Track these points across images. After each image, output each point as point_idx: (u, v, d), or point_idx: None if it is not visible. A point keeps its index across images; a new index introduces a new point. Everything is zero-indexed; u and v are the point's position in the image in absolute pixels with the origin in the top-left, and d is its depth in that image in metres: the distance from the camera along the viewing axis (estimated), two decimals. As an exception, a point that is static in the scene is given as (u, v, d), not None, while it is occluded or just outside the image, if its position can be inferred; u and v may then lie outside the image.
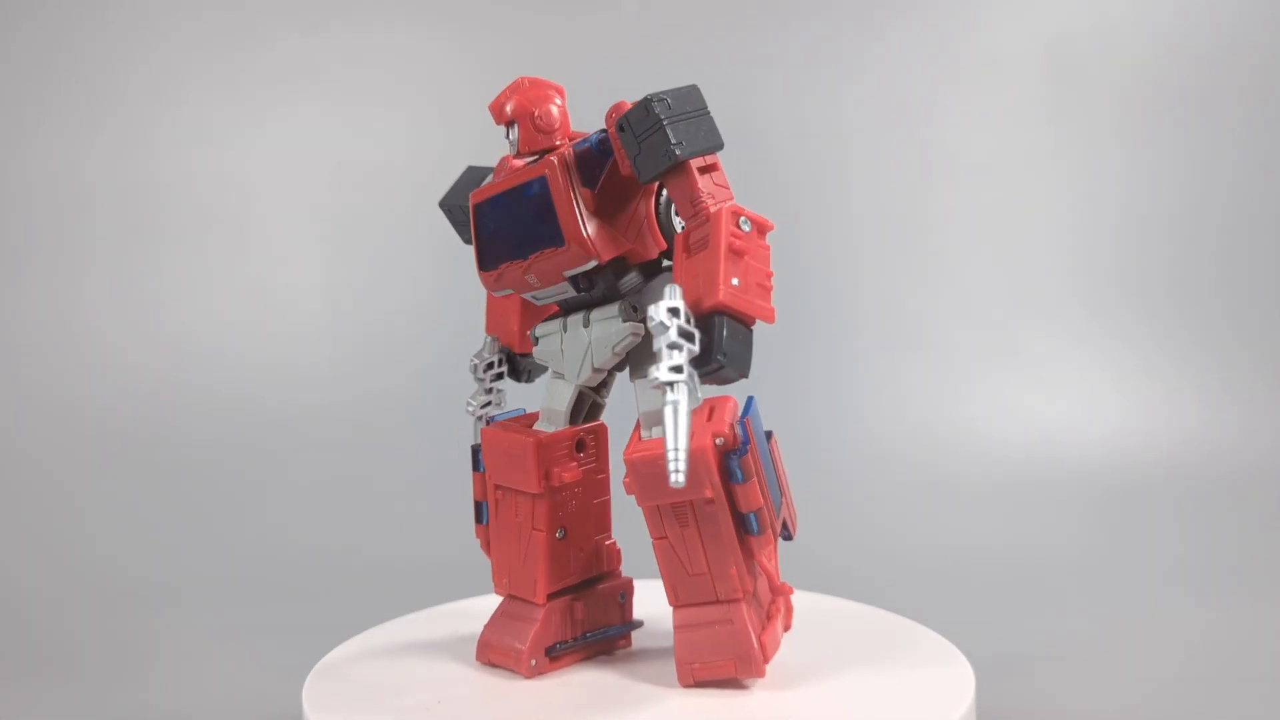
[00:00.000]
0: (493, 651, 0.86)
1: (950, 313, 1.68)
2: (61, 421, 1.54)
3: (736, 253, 0.74)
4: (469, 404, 0.92)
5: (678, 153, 0.75)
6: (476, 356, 0.92)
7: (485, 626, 0.87)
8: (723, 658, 0.79)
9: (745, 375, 0.74)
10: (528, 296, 0.86)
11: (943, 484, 1.50)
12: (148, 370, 1.59)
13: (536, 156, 0.83)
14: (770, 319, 0.75)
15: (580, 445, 0.85)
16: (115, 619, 1.22)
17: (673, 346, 0.70)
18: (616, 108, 0.80)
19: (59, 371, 1.58)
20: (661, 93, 0.77)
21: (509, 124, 0.83)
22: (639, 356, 0.82)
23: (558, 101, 0.83)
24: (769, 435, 0.81)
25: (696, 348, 0.71)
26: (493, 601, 0.96)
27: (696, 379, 0.72)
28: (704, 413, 0.78)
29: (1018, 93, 1.73)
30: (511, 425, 0.87)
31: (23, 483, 1.46)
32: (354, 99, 1.71)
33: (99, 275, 1.64)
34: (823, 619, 0.93)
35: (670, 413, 0.69)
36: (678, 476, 0.68)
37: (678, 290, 0.72)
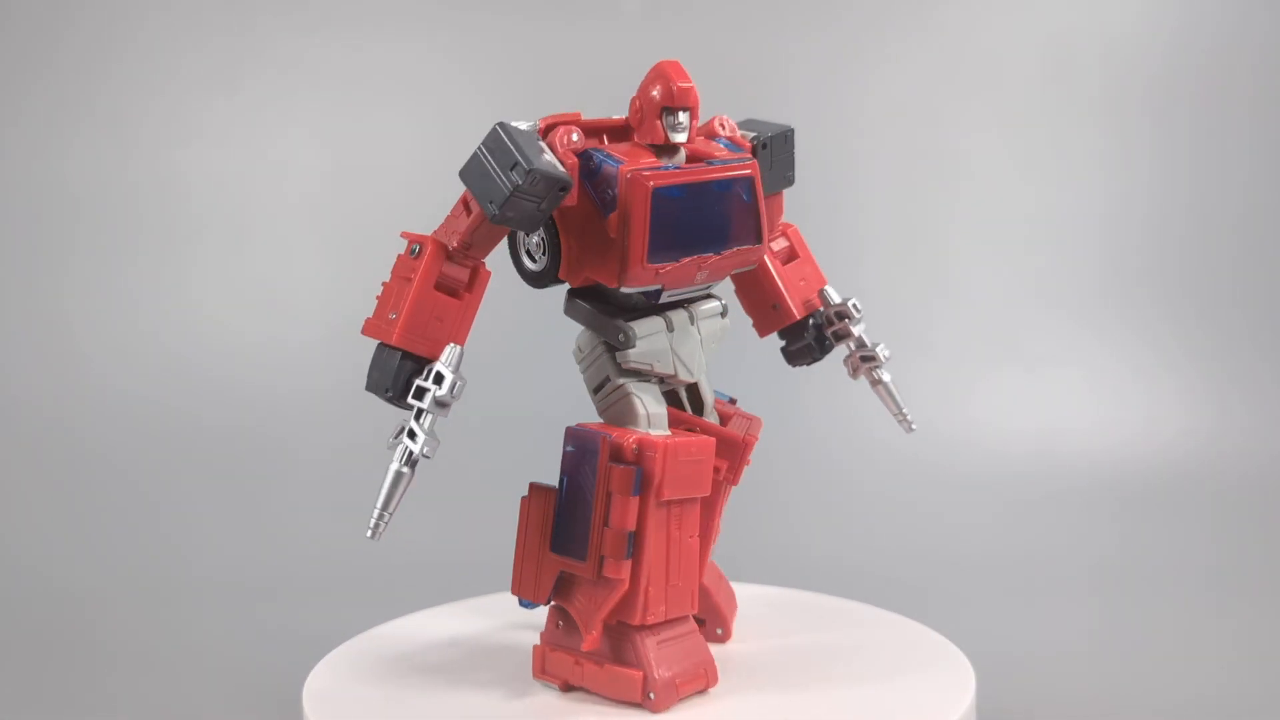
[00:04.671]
0: (683, 684, 0.78)
1: (954, 313, 1.68)
2: (59, 417, 1.53)
3: None
4: (427, 442, 0.78)
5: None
6: (456, 374, 0.76)
7: (653, 669, 0.76)
8: None
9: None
10: (661, 291, 0.80)
11: (943, 483, 1.50)
12: (154, 365, 1.59)
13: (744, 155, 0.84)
14: None
15: None
16: (115, 618, 1.22)
17: None
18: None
19: (66, 365, 1.57)
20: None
21: (681, 109, 0.78)
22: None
23: None
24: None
25: None
26: (492, 601, 0.96)
27: None
28: None
29: (1021, 95, 1.73)
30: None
31: (22, 478, 1.46)
32: (354, 100, 1.71)
33: (98, 273, 1.63)
34: (822, 618, 0.94)
35: None
36: None
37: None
